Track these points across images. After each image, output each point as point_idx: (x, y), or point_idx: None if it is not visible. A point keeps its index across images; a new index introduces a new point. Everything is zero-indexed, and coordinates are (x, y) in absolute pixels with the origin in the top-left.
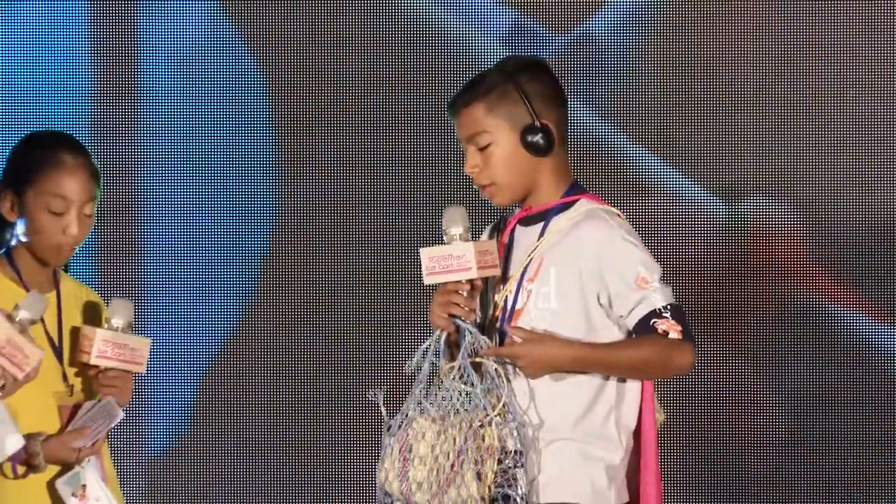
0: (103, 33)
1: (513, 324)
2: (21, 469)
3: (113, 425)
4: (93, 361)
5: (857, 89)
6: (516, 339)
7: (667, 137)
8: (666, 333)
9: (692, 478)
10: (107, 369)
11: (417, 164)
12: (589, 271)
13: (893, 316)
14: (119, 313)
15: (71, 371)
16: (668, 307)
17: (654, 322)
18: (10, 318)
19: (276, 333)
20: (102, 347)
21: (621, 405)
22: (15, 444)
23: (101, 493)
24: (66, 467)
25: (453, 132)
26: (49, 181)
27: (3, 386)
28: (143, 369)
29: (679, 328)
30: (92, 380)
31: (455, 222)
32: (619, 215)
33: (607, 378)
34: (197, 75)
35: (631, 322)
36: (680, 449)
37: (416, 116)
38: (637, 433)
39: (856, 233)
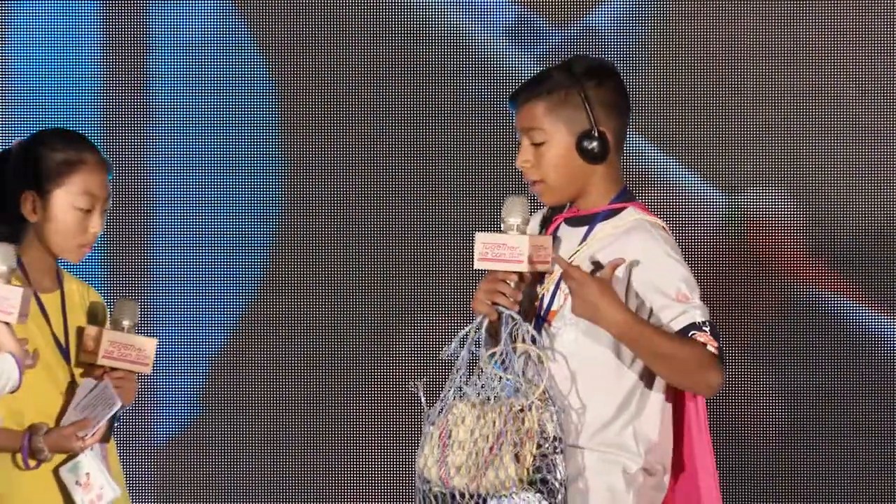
0: (109, 30)
1: (549, 320)
2: (32, 462)
3: (112, 413)
4: (99, 362)
5: (856, 85)
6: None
7: (666, 131)
8: (704, 345)
9: None
10: (112, 369)
11: (418, 161)
12: (629, 285)
13: (893, 310)
14: (125, 314)
15: (78, 371)
16: (707, 323)
17: (694, 334)
18: None
19: (278, 329)
20: (109, 348)
21: (640, 415)
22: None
23: (104, 482)
24: (70, 455)
25: (454, 128)
26: (77, 180)
27: None
28: (148, 370)
29: (716, 345)
30: (98, 380)
31: (514, 212)
32: (664, 228)
33: (633, 381)
34: (200, 71)
35: (670, 330)
36: None
37: (416, 113)
38: (680, 452)
39: (855, 227)
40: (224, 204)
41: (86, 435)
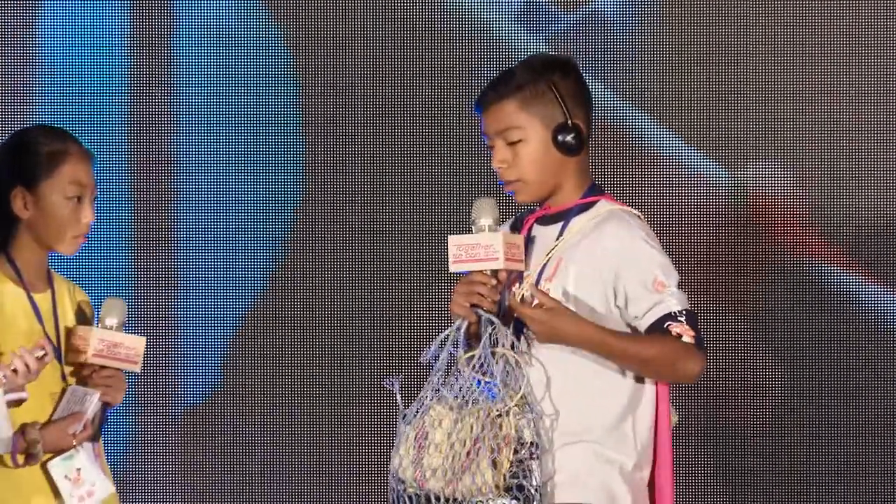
0: (141, 30)
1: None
2: (21, 458)
3: (97, 407)
4: (89, 360)
5: (853, 61)
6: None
7: (663, 106)
8: (679, 336)
9: (685, 443)
10: (101, 368)
11: (438, 160)
12: (607, 272)
13: (891, 284)
14: (111, 312)
15: (69, 370)
16: (684, 312)
17: (669, 325)
18: None
19: (287, 328)
20: (98, 346)
21: (637, 407)
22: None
23: (96, 478)
24: (61, 451)
25: (454, 129)
26: (65, 170)
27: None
28: (137, 368)
29: (692, 334)
30: (87, 379)
31: (484, 213)
32: (639, 217)
33: (625, 377)
34: (239, 70)
35: (645, 323)
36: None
37: (414, 113)
38: (653, 441)
39: (853, 202)
40: (244, 203)
41: (77, 430)
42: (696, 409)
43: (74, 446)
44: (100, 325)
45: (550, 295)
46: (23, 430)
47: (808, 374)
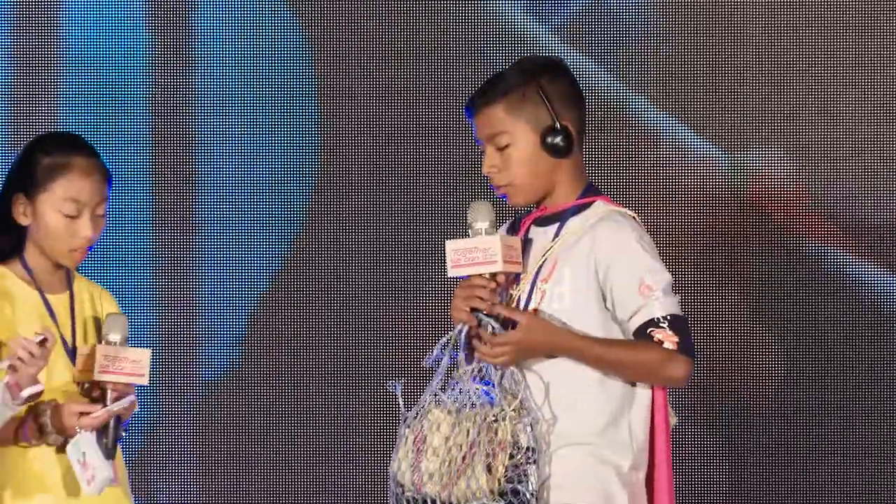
0: (156, 39)
1: None
2: (34, 440)
3: (120, 405)
4: (96, 378)
5: (853, 44)
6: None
7: (661, 91)
8: (661, 343)
9: (683, 430)
10: (111, 384)
11: (438, 170)
12: (599, 275)
13: (890, 269)
14: (113, 328)
15: (78, 390)
16: (668, 318)
17: (651, 331)
18: None
19: (293, 339)
20: (103, 363)
21: (632, 408)
22: None
23: (98, 463)
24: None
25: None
26: (62, 185)
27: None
28: (145, 380)
29: (675, 339)
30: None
31: (480, 216)
32: (634, 218)
33: (620, 382)
34: (238, 80)
35: (630, 328)
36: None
37: (411, 122)
38: (649, 442)
39: (852, 187)
40: (245, 215)
41: (84, 410)
42: (694, 397)
43: (79, 427)
44: (103, 342)
45: (546, 296)
46: (34, 409)
47: (807, 361)
